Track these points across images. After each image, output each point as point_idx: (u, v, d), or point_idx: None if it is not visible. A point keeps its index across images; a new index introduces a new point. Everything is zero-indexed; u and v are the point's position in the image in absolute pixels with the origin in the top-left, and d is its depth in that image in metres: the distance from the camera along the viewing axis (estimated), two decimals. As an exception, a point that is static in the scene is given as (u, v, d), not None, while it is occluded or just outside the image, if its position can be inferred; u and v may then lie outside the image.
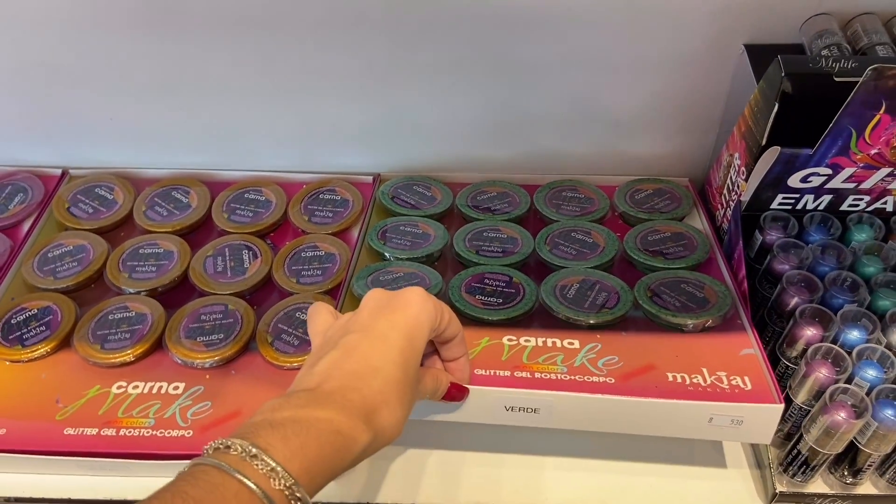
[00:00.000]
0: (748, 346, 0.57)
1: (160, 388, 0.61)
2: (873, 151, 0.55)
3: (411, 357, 0.45)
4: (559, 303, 0.61)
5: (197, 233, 0.75)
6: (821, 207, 0.63)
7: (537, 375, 0.55)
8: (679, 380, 0.54)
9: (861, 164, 0.57)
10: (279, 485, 0.36)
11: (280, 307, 0.66)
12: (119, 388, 0.61)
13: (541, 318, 0.62)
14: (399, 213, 0.74)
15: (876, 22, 0.62)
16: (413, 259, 0.67)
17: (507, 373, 0.55)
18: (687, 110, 0.74)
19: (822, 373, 0.52)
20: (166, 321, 0.65)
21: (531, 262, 0.68)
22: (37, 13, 0.66)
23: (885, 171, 0.57)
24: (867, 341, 0.54)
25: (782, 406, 0.52)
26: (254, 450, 0.37)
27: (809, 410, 0.53)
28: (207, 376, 0.62)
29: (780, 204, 0.63)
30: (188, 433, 0.58)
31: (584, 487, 0.59)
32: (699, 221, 0.72)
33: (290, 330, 0.64)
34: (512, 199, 0.75)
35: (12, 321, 0.65)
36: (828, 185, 0.60)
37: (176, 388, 0.61)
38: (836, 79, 0.54)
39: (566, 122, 0.75)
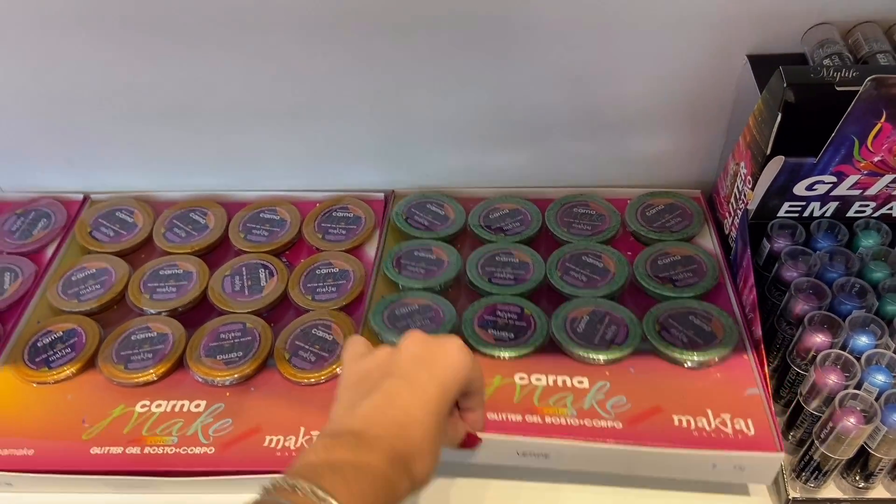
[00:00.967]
0: (753, 384, 0.59)
1: (182, 406, 0.63)
2: (876, 159, 0.56)
3: (444, 409, 0.47)
4: (569, 339, 0.63)
5: (214, 253, 0.77)
6: (827, 214, 0.63)
7: (548, 420, 0.57)
8: (685, 423, 0.56)
9: (865, 172, 0.57)
10: None
11: (296, 324, 0.68)
12: (143, 406, 0.63)
13: (552, 353, 0.63)
14: (413, 235, 0.75)
15: (877, 30, 0.62)
16: (427, 289, 0.69)
17: (519, 417, 0.57)
18: (693, 120, 0.75)
19: (832, 379, 0.53)
20: (187, 340, 0.67)
21: (543, 287, 0.69)
22: (57, 39, 0.69)
23: (890, 177, 0.58)
24: (876, 346, 0.55)
25: (783, 455, 0.53)
26: (320, 492, 0.38)
27: (820, 416, 0.54)
28: (227, 394, 0.64)
29: (787, 212, 0.63)
30: (210, 450, 0.59)
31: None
32: (709, 239, 0.73)
33: (307, 346, 0.66)
34: (524, 218, 0.76)
35: (38, 344, 0.67)
36: (833, 193, 0.60)
37: (197, 405, 0.63)
38: (838, 88, 0.55)
39: (574, 133, 0.76)
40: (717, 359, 0.61)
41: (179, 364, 0.66)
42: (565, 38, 0.67)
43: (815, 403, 0.55)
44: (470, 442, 0.54)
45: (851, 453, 0.53)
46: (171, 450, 0.59)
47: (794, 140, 0.58)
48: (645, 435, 0.55)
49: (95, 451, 0.60)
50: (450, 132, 0.77)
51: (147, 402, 0.63)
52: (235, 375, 0.64)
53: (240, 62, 0.70)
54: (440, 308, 0.67)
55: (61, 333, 0.68)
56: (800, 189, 0.60)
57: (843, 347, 0.55)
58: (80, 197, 0.82)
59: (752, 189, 0.63)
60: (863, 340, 0.55)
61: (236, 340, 0.67)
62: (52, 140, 0.79)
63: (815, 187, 0.60)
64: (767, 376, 0.58)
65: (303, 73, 0.70)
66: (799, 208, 0.63)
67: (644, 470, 0.57)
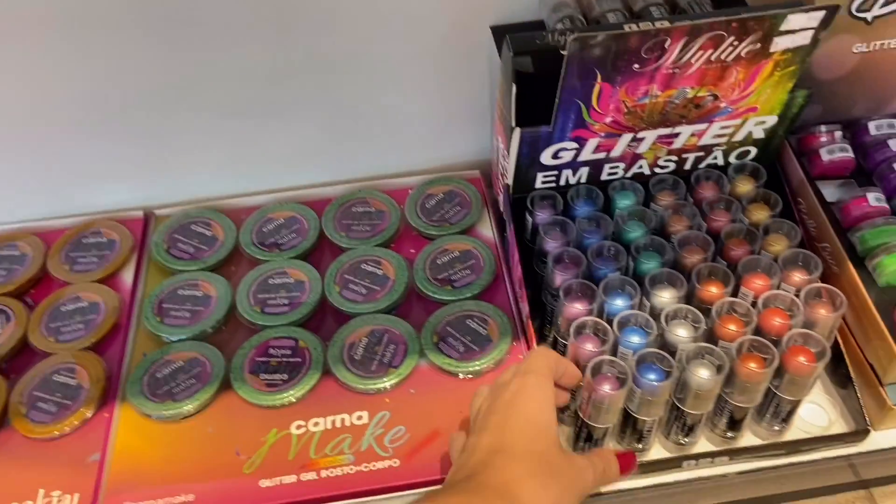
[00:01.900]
0: None
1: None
2: (608, 119, 0.55)
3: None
4: (347, 370, 0.60)
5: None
6: (582, 180, 0.63)
7: (324, 474, 0.55)
8: None
9: (602, 134, 0.57)
10: None
11: (35, 373, 0.60)
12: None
13: (330, 388, 0.60)
14: (177, 269, 0.68)
15: (608, -11, 0.62)
16: (195, 337, 0.63)
17: (294, 478, 0.54)
18: (458, 98, 0.73)
19: (587, 348, 0.52)
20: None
21: (320, 307, 0.65)
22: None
23: (628, 136, 0.58)
24: (631, 307, 0.54)
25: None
26: None
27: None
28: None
29: (544, 183, 0.62)
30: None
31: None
32: (488, 226, 0.71)
33: (48, 396, 0.58)
34: (300, 227, 0.71)
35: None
36: (581, 158, 0.60)
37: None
38: (563, 53, 0.53)
39: (345, 131, 0.73)
40: (492, 364, 0.60)
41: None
42: (308, 34, 0.63)
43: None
44: (628, 463, 0.50)
45: (614, 419, 0.52)
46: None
47: (535, 110, 0.57)
48: (420, 469, 0.54)
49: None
50: (210, 146, 0.71)
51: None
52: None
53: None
54: (207, 360, 0.61)
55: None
56: (547, 158, 0.59)
57: (602, 314, 0.55)
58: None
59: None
60: (617, 303, 0.54)
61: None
62: None
63: (560, 155, 0.59)
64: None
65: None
66: (553, 177, 0.62)
67: None
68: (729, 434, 0.55)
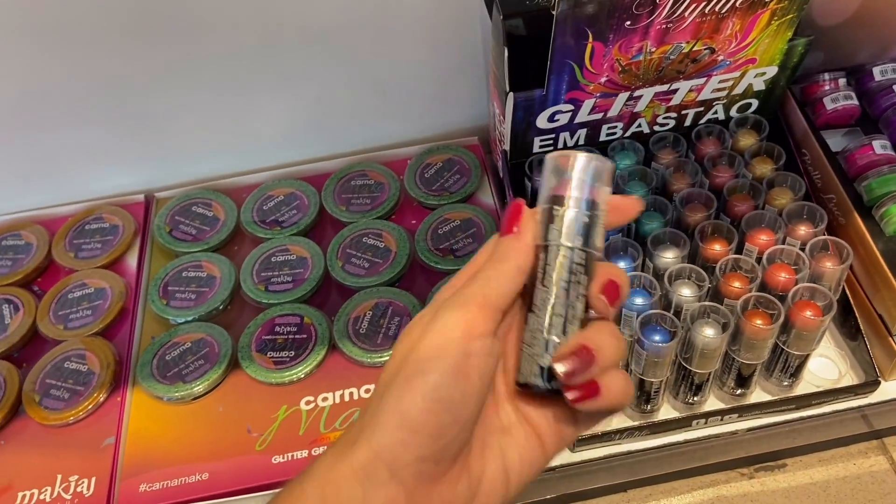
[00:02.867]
0: None
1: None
2: (603, 79, 0.54)
3: None
4: (353, 344, 0.60)
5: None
6: (581, 142, 0.62)
7: None
8: None
9: (598, 94, 0.56)
10: None
11: (46, 360, 0.61)
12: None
13: (337, 363, 0.60)
14: (180, 251, 0.68)
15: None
16: (201, 318, 0.63)
17: (305, 453, 0.55)
18: (452, 67, 0.71)
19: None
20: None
21: (324, 283, 0.65)
22: None
23: (624, 95, 0.57)
24: (634, 269, 0.54)
25: None
26: None
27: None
28: None
29: (541, 147, 0.62)
30: None
31: None
32: (489, 193, 0.71)
33: (59, 384, 0.59)
34: (300, 203, 0.71)
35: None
36: (577, 120, 0.59)
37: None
38: (553, 13, 0.52)
39: (340, 103, 0.72)
40: None
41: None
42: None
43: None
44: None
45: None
46: None
47: (530, 73, 0.56)
48: None
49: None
50: (207, 125, 0.71)
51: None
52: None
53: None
54: (215, 340, 0.61)
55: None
56: (542, 122, 0.58)
57: (604, 276, 0.54)
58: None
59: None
60: (620, 266, 0.54)
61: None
62: None
63: (556, 118, 0.58)
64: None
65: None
66: (551, 141, 0.61)
67: None
68: (738, 391, 0.55)
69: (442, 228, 0.67)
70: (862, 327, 0.56)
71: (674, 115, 0.61)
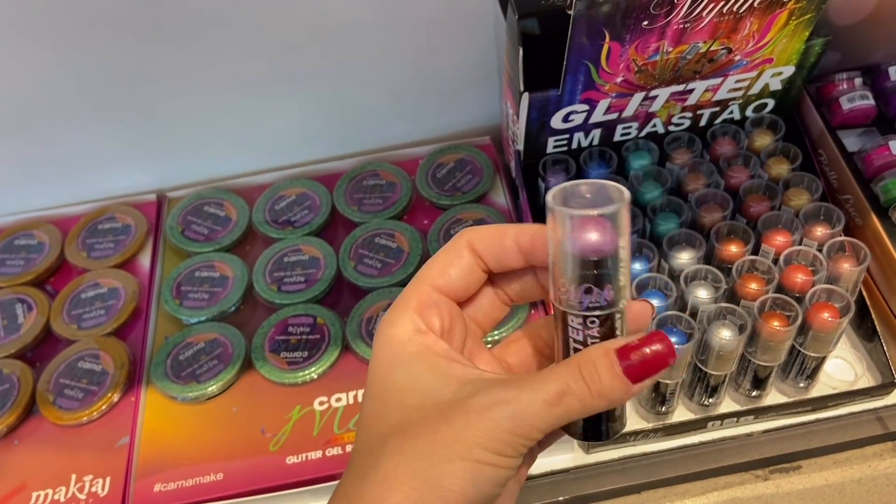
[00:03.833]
0: None
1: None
2: (619, 79, 0.54)
3: None
4: (366, 345, 0.59)
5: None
6: (595, 143, 0.62)
7: (349, 449, 0.55)
8: None
9: (613, 94, 0.56)
10: None
11: (60, 360, 0.61)
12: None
13: (350, 363, 0.60)
14: (192, 251, 0.68)
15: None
16: (214, 318, 0.63)
17: (319, 453, 0.55)
18: (464, 67, 0.71)
19: (606, 313, 0.51)
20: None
21: (336, 283, 0.65)
22: None
23: (640, 95, 0.56)
24: (650, 270, 0.54)
25: None
26: None
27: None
28: None
29: (555, 147, 0.61)
30: None
31: None
32: (501, 194, 0.70)
33: (73, 383, 0.59)
34: (312, 203, 0.71)
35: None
36: (592, 120, 0.58)
37: None
38: (569, 13, 0.52)
39: (352, 102, 0.72)
40: (510, 333, 0.59)
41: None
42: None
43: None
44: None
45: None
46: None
47: (543, 73, 0.55)
48: None
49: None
50: (218, 123, 0.70)
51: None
52: None
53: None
54: (228, 341, 0.61)
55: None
56: (557, 122, 0.58)
57: (619, 277, 0.54)
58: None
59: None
60: (635, 267, 0.54)
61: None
62: None
63: (570, 118, 0.57)
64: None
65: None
66: (565, 141, 0.61)
67: None
68: (754, 393, 0.55)
69: (455, 229, 0.67)
70: (879, 329, 0.56)
71: (689, 114, 0.61)
